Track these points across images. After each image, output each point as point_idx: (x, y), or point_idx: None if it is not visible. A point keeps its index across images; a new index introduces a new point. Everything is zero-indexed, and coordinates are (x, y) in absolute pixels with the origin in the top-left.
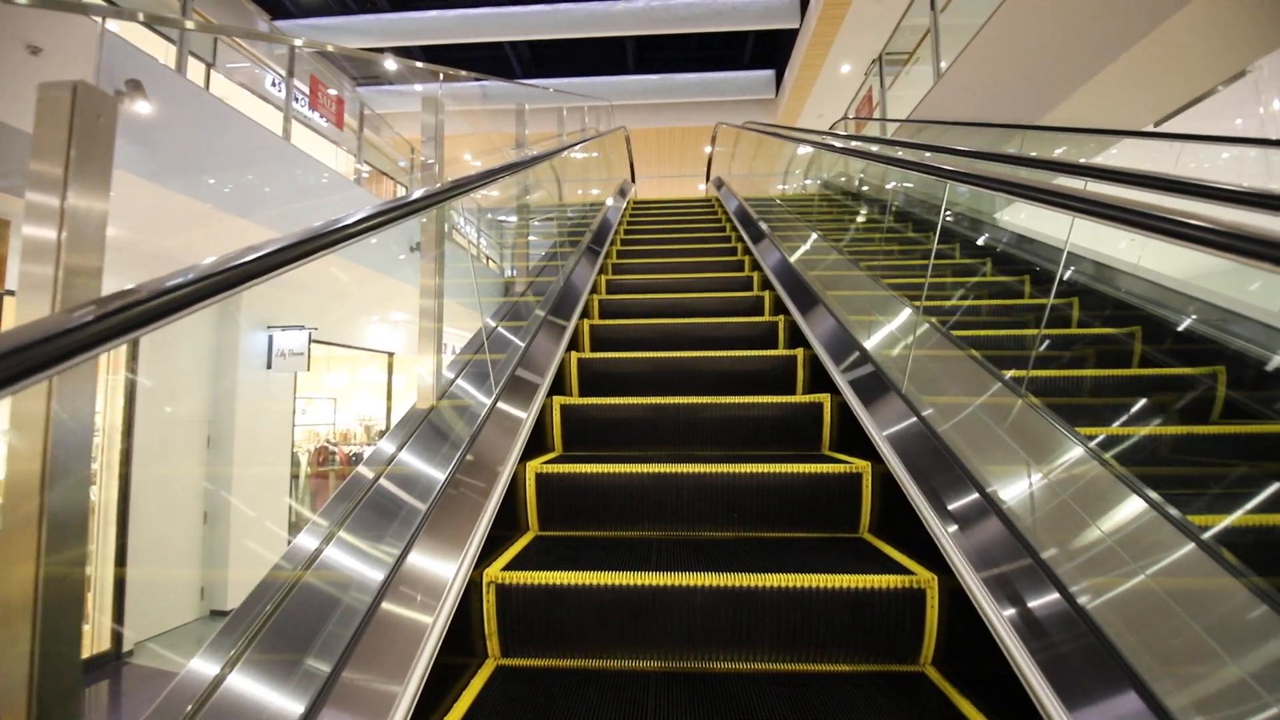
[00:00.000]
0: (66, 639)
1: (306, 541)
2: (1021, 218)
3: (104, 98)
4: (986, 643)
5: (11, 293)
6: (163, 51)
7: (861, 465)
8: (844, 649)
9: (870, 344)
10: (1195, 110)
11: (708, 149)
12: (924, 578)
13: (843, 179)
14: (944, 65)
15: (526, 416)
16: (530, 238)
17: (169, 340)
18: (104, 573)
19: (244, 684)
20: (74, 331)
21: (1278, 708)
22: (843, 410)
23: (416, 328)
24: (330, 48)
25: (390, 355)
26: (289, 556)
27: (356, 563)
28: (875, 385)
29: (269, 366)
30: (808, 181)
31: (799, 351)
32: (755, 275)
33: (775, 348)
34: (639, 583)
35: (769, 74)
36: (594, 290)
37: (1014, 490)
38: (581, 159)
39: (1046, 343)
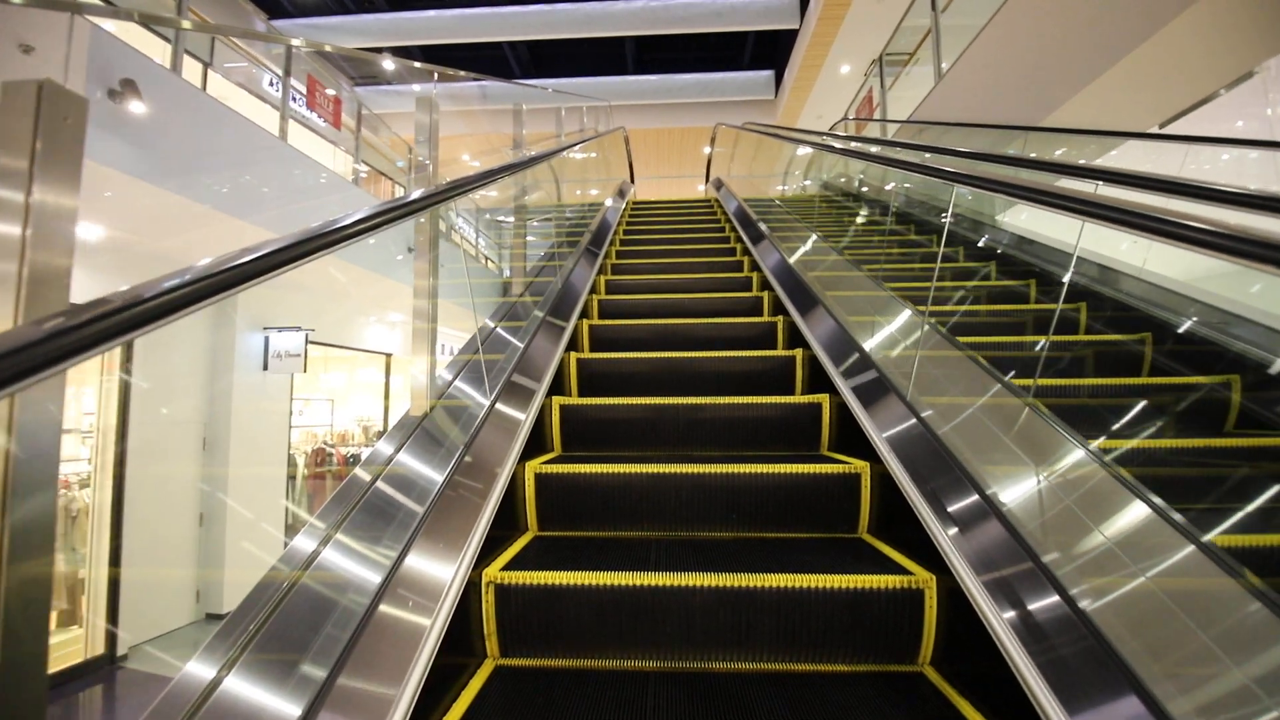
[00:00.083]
0: (30, 651)
1: (304, 543)
2: (1022, 219)
3: (73, 98)
4: (985, 643)
5: None
6: (160, 51)
7: (860, 466)
8: (843, 649)
9: (869, 345)
10: (1200, 112)
11: (707, 150)
12: (922, 578)
13: (842, 180)
14: (945, 66)
15: (525, 417)
16: (529, 238)
17: (164, 342)
18: (98, 575)
19: (241, 687)
20: (72, 331)
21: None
22: (841, 411)
23: (413, 329)
24: (328, 48)
25: (388, 357)
26: (286, 558)
27: (355, 564)
28: (874, 386)
29: (265, 368)
30: (807, 182)
31: (798, 352)
32: (754, 276)
33: (774, 348)
34: (638, 583)
35: (768, 74)
36: (593, 290)
37: (1013, 492)
38: (580, 160)
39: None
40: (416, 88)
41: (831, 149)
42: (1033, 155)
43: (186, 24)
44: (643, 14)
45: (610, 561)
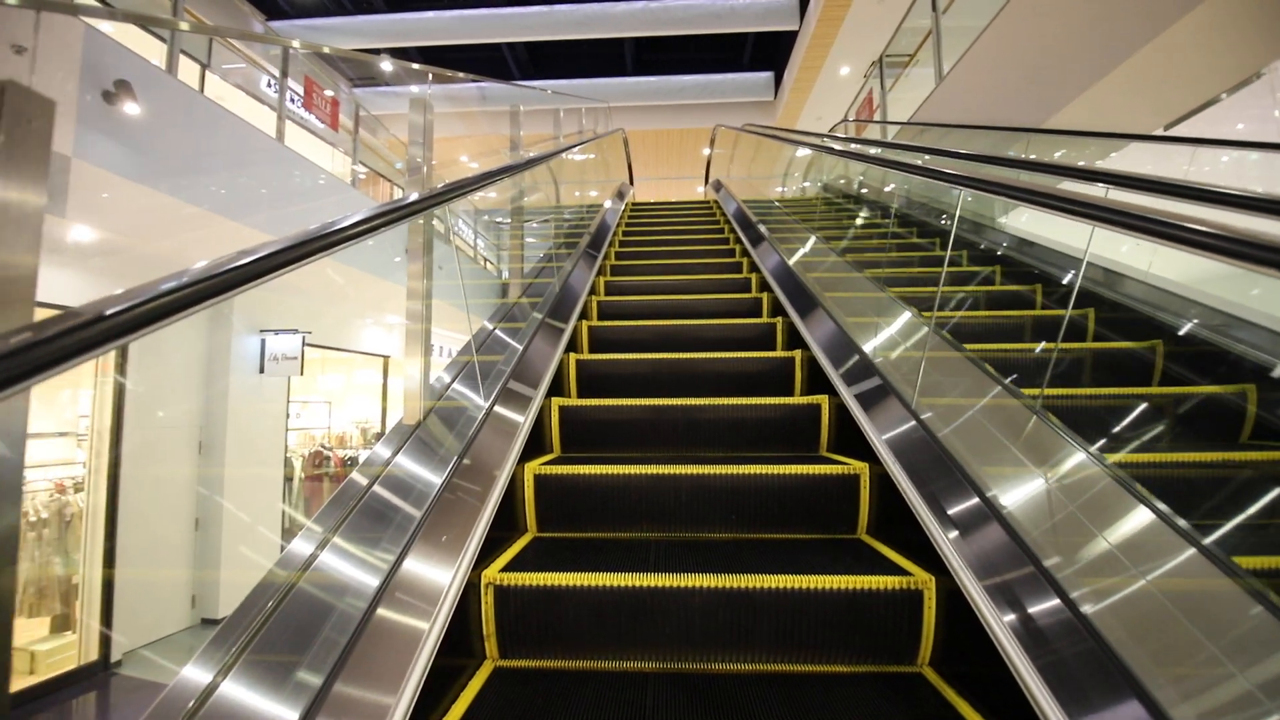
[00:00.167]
0: None
1: (301, 546)
2: (1022, 221)
3: (38, 100)
4: (984, 644)
5: None
6: (158, 53)
7: (859, 466)
8: (842, 649)
9: (869, 347)
10: (1205, 114)
11: (706, 151)
12: (921, 578)
13: (842, 182)
14: (946, 68)
15: (525, 418)
16: (528, 240)
17: (160, 344)
18: (92, 580)
19: (237, 692)
20: (69, 334)
21: None
22: (840, 412)
23: (408, 333)
24: (326, 49)
25: (385, 359)
26: (284, 562)
27: (353, 566)
28: (873, 388)
29: (261, 371)
30: (806, 184)
31: (797, 353)
32: (753, 277)
33: (773, 349)
34: (637, 584)
35: (768, 76)
36: (592, 292)
37: (1012, 494)
38: (579, 161)
39: (1041, 346)
40: (415, 89)
41: (831, 151)
42: (1032, 157)
43: (184, 25)
44: (642, 15)
45: (609, 562)
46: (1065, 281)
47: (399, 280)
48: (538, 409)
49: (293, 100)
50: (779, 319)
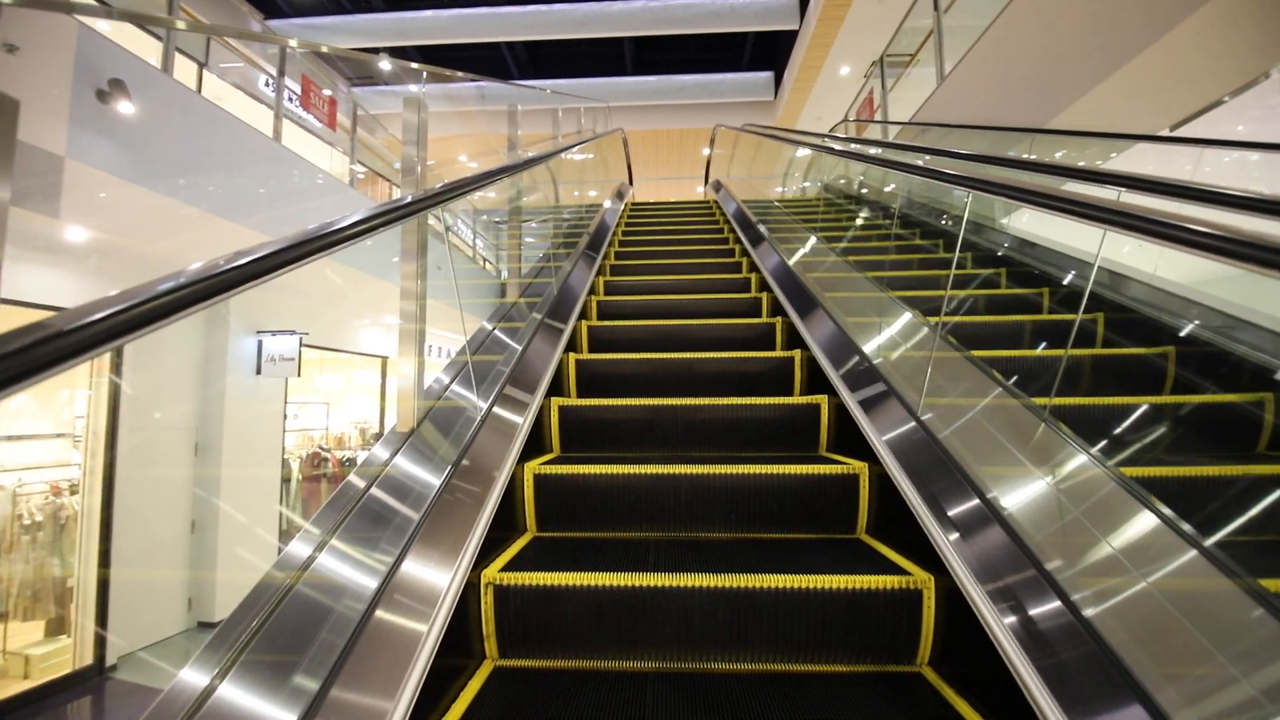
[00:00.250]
0: None
1: (299, 548)
2: (1023, 221)
3: (2, 99)
4: (984, 644)
5: None
6: (155, 52)
7: (859, 466)
8: (841, 649)
9: (868, 348)
10: (1211, 115)
11: (706, 151)
12: (921, 578)
13: (842, 182)
14: (948, 68)
15: (524, 417)
16: (527, 239)
17: (155, 345)
18: (87, 584)
19: (234, 695)
20: (62, 337)
21: None
22: (840, 412)
23: (401, 333)
24: (324, 48)
25: (384, 359)
26: (282, 564)
27: (352, 567)
28: (872, 388)
29: (259, 372)
30: (806, 184)
31: (796, 353)
32: (753, 277)
33: (773, 349)
34: (637, 584)
35: (768, 76)
36: (591, 292)
37: (1012, 495)
38: (579, 161)
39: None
40: (414, 88)
41: (831, 151)
42: (1032, 158)
43: (181, 24)
44: (641, 14)
45: (609, 562)
46: (1070, 284)
47: (397, 281)
48: (537, 409)
49: (291, 100)
50: (778, 319)
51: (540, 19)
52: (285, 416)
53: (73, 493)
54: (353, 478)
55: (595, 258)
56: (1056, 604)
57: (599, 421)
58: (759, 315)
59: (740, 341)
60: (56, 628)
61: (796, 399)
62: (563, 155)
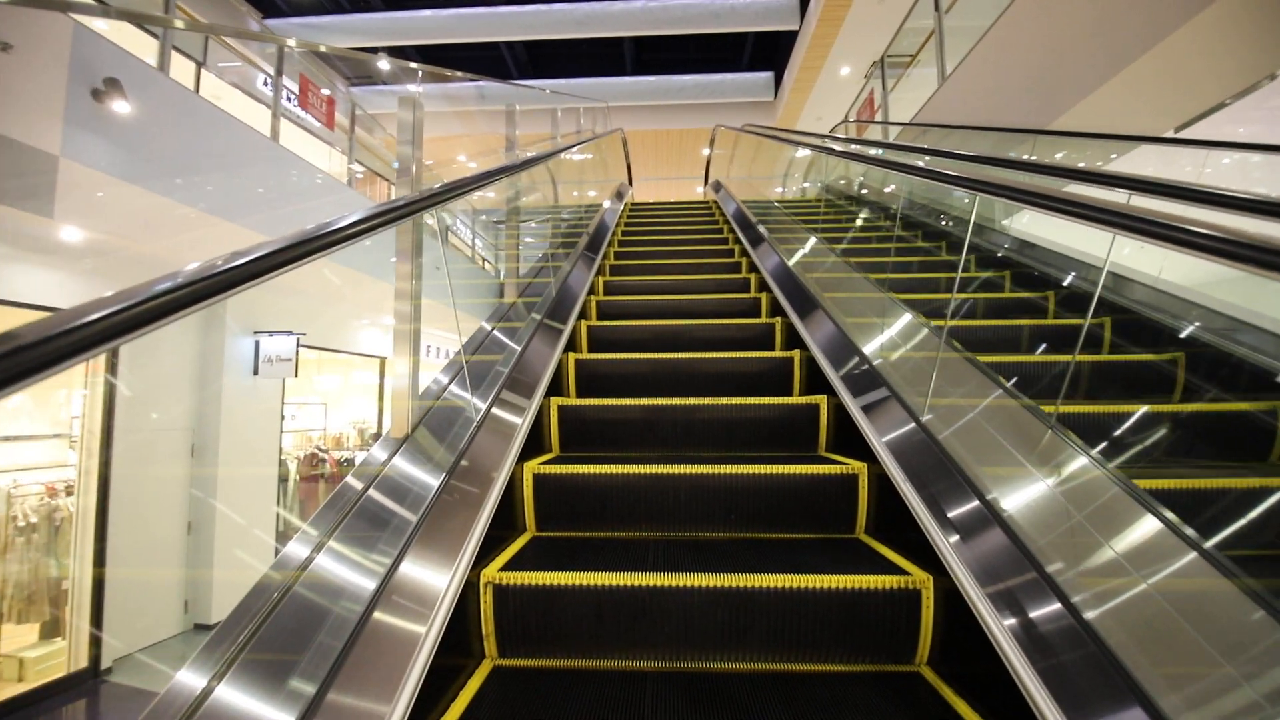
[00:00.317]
0: None
1: (297, 549)
2: (1024, 221)
3: None
4: (983, 644)
5: None
6: (152, 51)
7: (858, 466)
8: (840, 649)
9: (868, 348)
10: (1219, 116)
11: (706, 151)
12: (920, 578)
13: (842, 183)
14: (949, 68)
15: (523, 417)
16: (527, 239)
17: (152, 346)
18: (81, 586)
19: (231, 697)
20: (61, 337)
21: None
22: (839, 412)
23: (407, 333)
24: (323, 48)
25: (383, 360)
26: (279, 564)
27: (351, 566)
28: (872, 388)
29: (256, 373)
30: (806, 185)
31: (796, 353)
32: (752, 278)
33: (772, 349)
34: (636, 583)
35: (768, 76)
36: (591, 292)
37: (1011, 496)
38: (578, 161)
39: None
40: (413, 88)
41: (831, 151)
42: (1032, 159)
43: (179, 24)
44: (641, 14)
45: (608, 562)
46: (1072, 285)
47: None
48: (536, 408)
49: (289, 99)
50: (778, 319)
51: (540, 19)
52: (283, 417)
53: (68, 493)
54: (351, 479)
55: (595, 258)
56: (1056, 605)
57: (598, 421)
58: (758, 315)
59: (740, 342)
60: (51, 630)
61: (796, 399)
62: (562, 155)
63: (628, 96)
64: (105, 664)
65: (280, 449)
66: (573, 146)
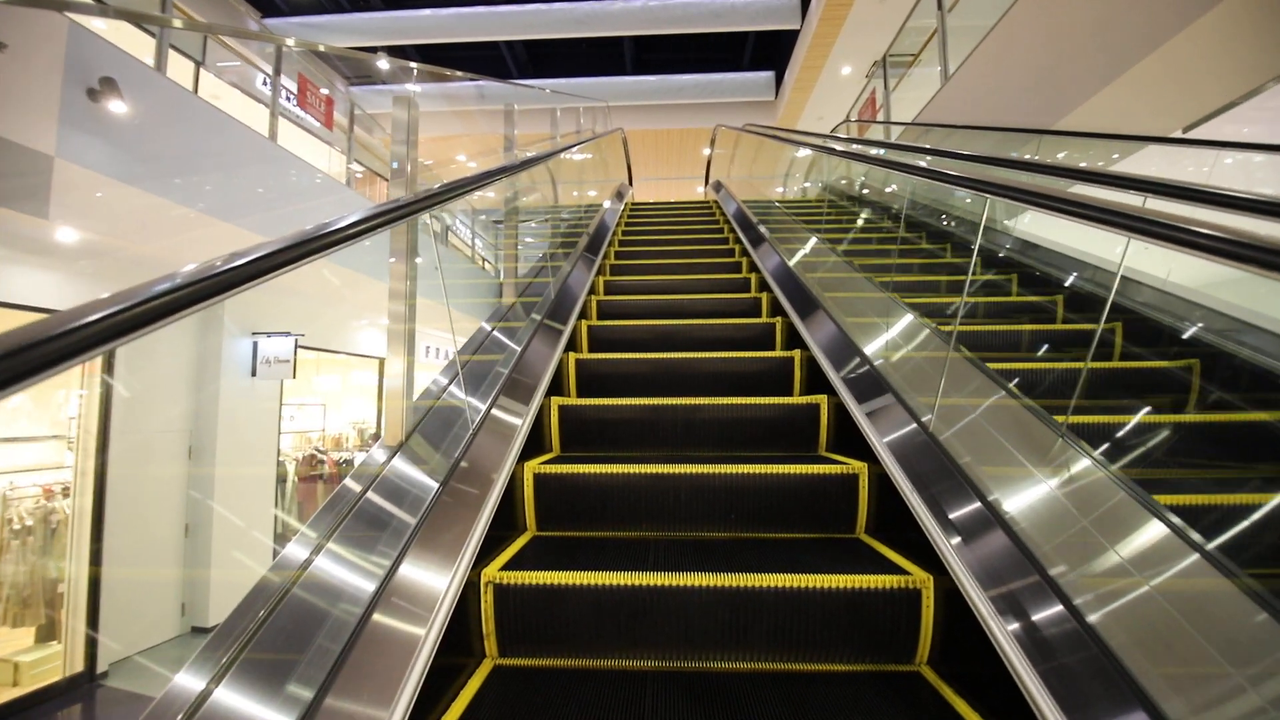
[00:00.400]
0: None
1: (296, 550)
2: (1025, 222)
3: None
4: (983, 644)
5: None
6: (149, 50)
7: (858, 466)
8: (841, 648)
9: (868, 348)
10: (1227, 116)
11: (706, 151)
12: (920, 578)
13: (843, 183)
14: (952, 68)
15: (524, 417)
16: (527, 239)
17: (149, 347)
18: (77, 589)
19: (230, 700)
20: (51, 341)
21: None
22: (839, 412)
23: (402, 333)
24: (321, 47)
25: (382, 361)
26: (279, 566)
27: (351, 567)
28: (873, 389)
29: (254, 374)
30: (807, 184)
31: (796, 353)
32: (753, 277)
33: (773, 349)
34: (637, 583)
35: (769, 75)
36: (591, 291)
37: (1011, 496)
38: (578, 161)
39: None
40: (414, 88)
41: (832, 151)
42: (1033, 158)
43: (178, 23)
44: (641, 13)
45: (609, 561)
46: (1076, 287)
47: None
48: (537, 408)
49: (288, 99)
50: (778, 319)
51: (539, 18)
52: (281, 418)
53: (65, 495)
54: (350, 480)
55: (595, 258)
56: (1057, 607)
57: (599, 421)
58: (759, 315)
59: (740, 341)
60: (47, 634)
61: (796, 399)
62: (562, 155)
63: (628, 96)
64: (101, 668)
65: (278, 450)
66: (572, 146)
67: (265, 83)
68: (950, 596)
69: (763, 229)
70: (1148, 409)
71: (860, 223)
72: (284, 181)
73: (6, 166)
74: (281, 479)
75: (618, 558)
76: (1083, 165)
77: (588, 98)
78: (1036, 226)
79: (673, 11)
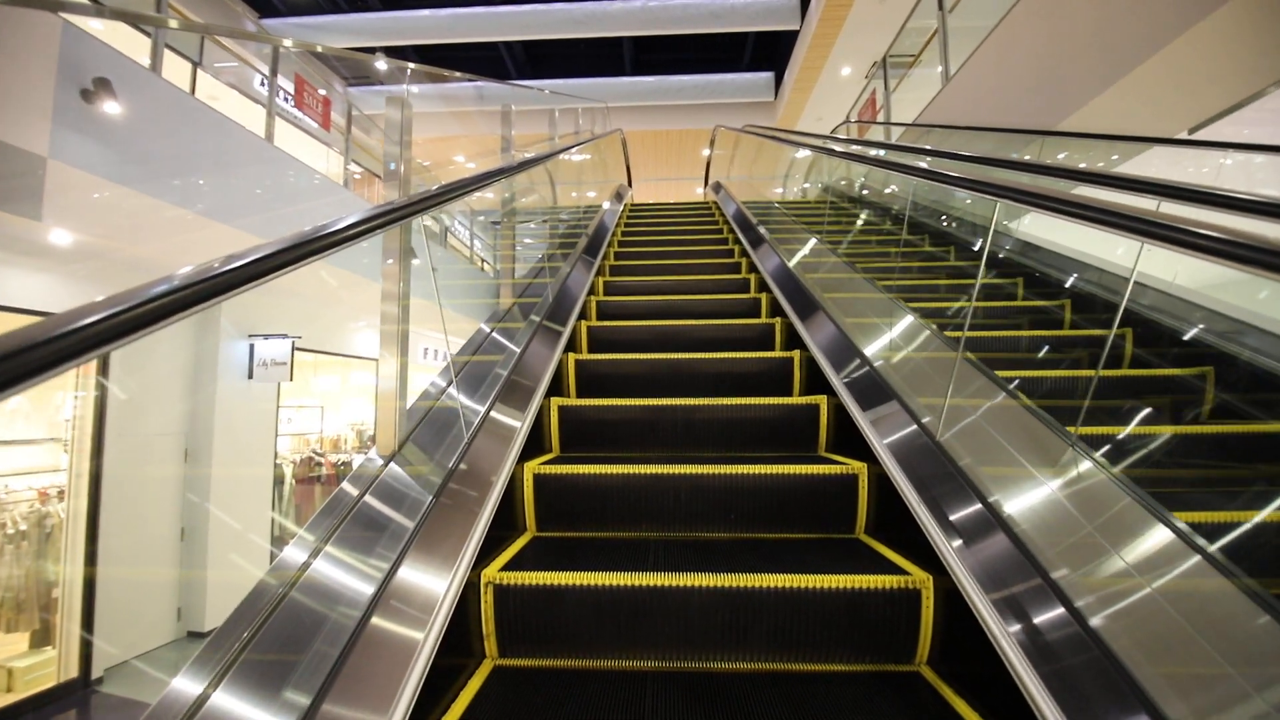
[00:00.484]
0: None
1: (295, 552)
2: (1025, 222)
3: None
4: (982, 644)
5: None
6: (146, 50)
7: (857, 466)
8: (840, 648)
9: (868, 349)
10: (1237, 116)
11: (706, 152)
12: (919, 578)
13: (843, 183)
14: (953, 68)
15: (524, 418)
16: (526, 240)
17: (144, 350)
18: (72, 594)
19: (228, 703)
20: (45, 345)
21: None
22: (839, 412)
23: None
24: (319, 48)
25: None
26: (277, 567)
27: (350, 568)
28: (873, 390)
29: (250, 377)
30: (807, 185)
31: (795, 353)
32: (752, 278)
33: (772, 349)
34: (637, 583)
35: (768, 76)
36: (591, 292)
37: (1011, 496)
38: (577, 162)
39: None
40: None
41: (832, 152)
42: (1027, 158)
43: (173, 23)
44: (640, 14)
45: (609, 562)
46: (1075, 288)
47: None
48: (537, 409)
49: (286, 100)
50: (777, 319)
51: (538, 18)
52: (278, 421)
53: (60, 499)
54: (349, 482)
55: (594, 258)
56: (1053, 602)
57: (598, 421)
58: (758, 316)
59: (740, 342)
60: (41, 639)
61: (796, 399)
62: (560, 156)
63: (627, 97)
64: (96, 673)
65: (275, 453)
66: (571, 147)
67: (263, 83)
68: (950, 596)
69: (762, 230)
70: (1153, 414)
71: (860, 224)
72: (281, 183)
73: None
74: (279, 481)
75: (618, 558)
76: (1082, 166)
77: (586, 98)
78: (1036, 227)
79: (672, 12)
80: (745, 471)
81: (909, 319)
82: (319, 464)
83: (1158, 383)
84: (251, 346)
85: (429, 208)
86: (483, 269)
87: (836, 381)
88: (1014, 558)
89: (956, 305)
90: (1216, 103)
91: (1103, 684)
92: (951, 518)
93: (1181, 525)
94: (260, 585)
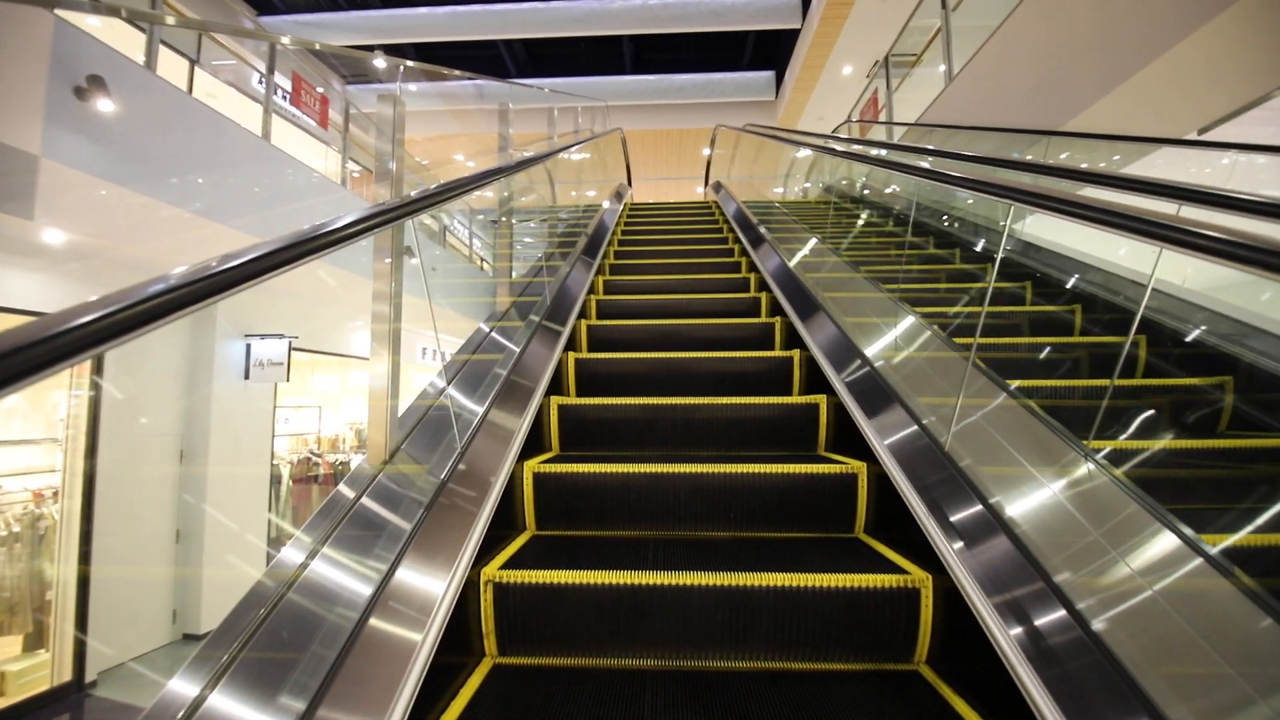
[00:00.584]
0: None
1: (292, 552)
2: (1026, 223)
3: None
4: (981, 643)
5: None
6: (142, 47)
7: (857, 466)
8: (839, 647)
9: (868, 349)
10: (1248, 116)
11: (706, 151)
12: (919, 577)
13: (844, 183)
14: (956, 68)
15: (524, 417)
16: (526, 240)
17: (140, 350)
18: (66, 596)
19: (225, 706)
20: (40, 344)
21: None
22: (839, 412)
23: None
24: (317, 46)
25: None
26: (274, 568)
27: (349, 568)
28: (871, 388)
29: (246, 377)
30: (807, 185)
31: (795, 353)
32: (752, 277)
33: (772, 349)
34: (636, 582)
35: (769, 75)
36: (591, 291)
37: (1010, 495)
38: (577, 161)
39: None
40: (412, 87)
41: (833, 152)
42: (1029, 157)
43: (170, 20)
44: (640, 12)
45: (608, 561)
46: (1077, 288)
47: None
48: (536, 408)
49: (283, 98)
50: (777, 319)
51: (538, 17)
52: (275, 421)
53: (55, 500)
54: (347, 483)
55: (594, 258)
56: (1056, 606)
57: (598, 420)
58: (758, 315)
59: (740, 341)
60: (34, 642)
61: (796, 398)
62: (560, 155)
63: (627, 96)
64: (90, 676)
65: (272, 454)
66: (570, 146)
67: (261, 81)
68: (949, 596)
69: (762, 230)
70: (1169, 424)
71: (861, 224)
72: (279, 181)
73: None
74: (276, 481)
75: (617, 557)
76: (1083, 167)
77: (586, 97)
78: (1038, 228)
79: (672, 10)
80: (745, 470)
81: (910, 320)
82: (316, 464)
83: (1173, 392)
84: (248, 346)
85: (427, 207)
86: (482, 268)
87: (836, 381)
88: (1014, 558)
89: (961, 309)
90: (1219, 108)
91: (1101, 680)
92: (951, 517)
93: (1188, 531)
94: (257, 586)
